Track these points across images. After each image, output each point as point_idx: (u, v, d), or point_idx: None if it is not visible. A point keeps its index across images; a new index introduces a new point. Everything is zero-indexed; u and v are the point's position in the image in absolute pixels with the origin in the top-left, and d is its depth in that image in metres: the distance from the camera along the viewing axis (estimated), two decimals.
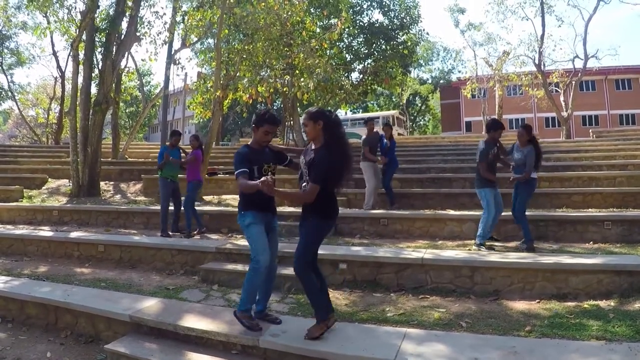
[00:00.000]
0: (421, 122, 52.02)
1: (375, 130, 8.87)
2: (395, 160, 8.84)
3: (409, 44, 19.17)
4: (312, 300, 3.37)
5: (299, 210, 3.51)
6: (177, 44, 15.27)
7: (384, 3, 19.45)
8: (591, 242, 5.87)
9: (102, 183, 12.16)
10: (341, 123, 3.47)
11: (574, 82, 21.78)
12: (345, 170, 3.35)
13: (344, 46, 19.34)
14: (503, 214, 6.14)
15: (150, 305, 4.15)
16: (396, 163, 8.96)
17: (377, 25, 19.02)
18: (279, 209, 8.63)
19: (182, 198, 7.44)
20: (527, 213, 5.92)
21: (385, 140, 8.66)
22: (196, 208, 7.50)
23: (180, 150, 7.66)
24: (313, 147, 3.43)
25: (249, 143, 3.67)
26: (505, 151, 6.20)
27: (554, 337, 3.23)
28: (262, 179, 3.10)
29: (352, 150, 3.45)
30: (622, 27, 64.71)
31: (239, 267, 5.20)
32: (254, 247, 3.49)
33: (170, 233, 7.17)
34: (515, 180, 5.79)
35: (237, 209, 3.66)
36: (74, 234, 7.20)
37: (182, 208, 7.35)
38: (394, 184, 9.13)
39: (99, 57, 12.39)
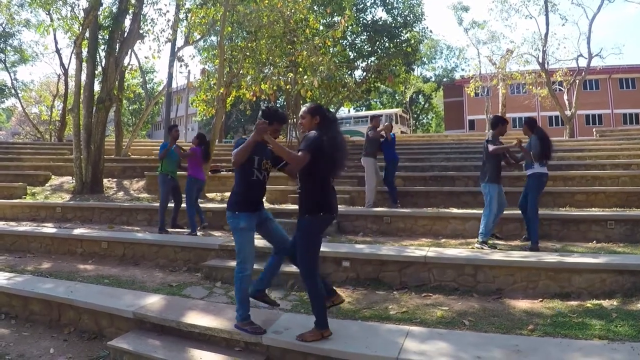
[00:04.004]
0: (424, 120, 51.92)
1: (379, 127, 8.93)
2: (395, 155, 8.87)
3: (413, 42, 19.12)
4: (315, 305, 3.23)
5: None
6: (180, 42, 15.26)
7: (387, 1, 19.41)
8: (594, 242, 5.86)
9: (105, 180, 12.20)
10: (337, 120, 3.44)
11: (577, 81, 21.64)
12: (338, 156, 3.21)
13: (348, 44, 19.30)
14: (506, 212, 6.13)
15: (153, 302, 4.17)
16: (396, 157, 8.95)
17: (381, 23, 18.99)
18: (282, 206, 8.71)
19: (183, 196, 7.48)
20: None
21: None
22: (200, 205, 7.55)
23: (179, 148, 7.65)
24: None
25: None
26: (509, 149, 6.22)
27: (557, 336, 3.22)
28: (258, 122, 3.16)
29: (345, 142, 3.34)
30: (627, 26, 64.42)
31: None
32: (243, 254, 3.40)
33: (169, 230, 7.21)
34: (519, 145, 5.78)
35: None
36: (77, 231, 7.22)
37: (185, 205, 7.37)
38: (397, 182, 9.13)
39: (102, 54, 12.46)
